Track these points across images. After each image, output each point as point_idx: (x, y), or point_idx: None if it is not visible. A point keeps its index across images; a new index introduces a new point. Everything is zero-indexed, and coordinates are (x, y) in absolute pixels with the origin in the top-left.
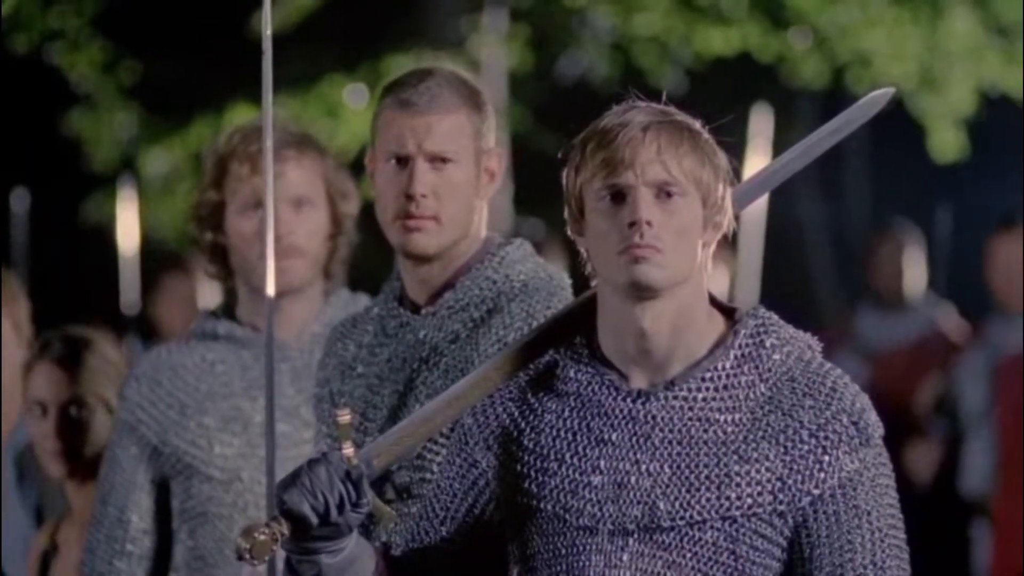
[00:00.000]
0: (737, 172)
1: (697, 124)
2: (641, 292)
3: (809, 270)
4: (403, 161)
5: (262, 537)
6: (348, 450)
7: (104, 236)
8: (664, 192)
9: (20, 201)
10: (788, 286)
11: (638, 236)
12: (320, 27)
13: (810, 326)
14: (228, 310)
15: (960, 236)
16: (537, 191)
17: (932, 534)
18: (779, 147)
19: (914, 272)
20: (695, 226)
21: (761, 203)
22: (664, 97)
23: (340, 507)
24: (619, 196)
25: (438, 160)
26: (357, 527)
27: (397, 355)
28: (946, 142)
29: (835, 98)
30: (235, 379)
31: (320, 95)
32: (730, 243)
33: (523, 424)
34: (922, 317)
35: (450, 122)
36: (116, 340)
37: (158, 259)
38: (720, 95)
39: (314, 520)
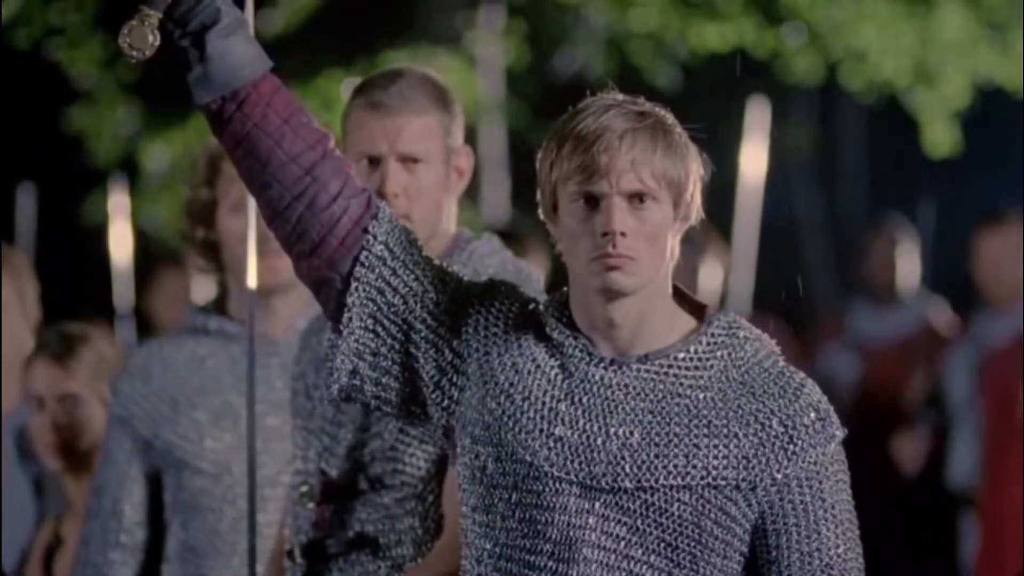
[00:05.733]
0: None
1: (670, 120)
2: (612, 295)
3: (803, 264)
4: (375, 161)
5: (133, 22)
6: None
7: (106, 231)
8: (637, 198)
9: (26, 196)
10: (782, 280)
11: (611, 246)
12: (319, 23)
13: (804, 320)
14: (219, 305)
15: (954, 230)
16: (534, 186)
17: (920, 525)
18: (774, 142)
19: (907, 267)
20: (666, 226)
21: (756, 198)
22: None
23: None
24: (593, 201)
25: (409, 161)
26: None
27: None
28: (940, 137)
29: (829, 94)
30: (225, 374)
31: (317, 89)
32: (725, 238)
33: (507, 358)
34: (914, 312)
35: (420, 123)
36: (111, 334)
37: (155, 254)
38: (715, 91)
39: None
